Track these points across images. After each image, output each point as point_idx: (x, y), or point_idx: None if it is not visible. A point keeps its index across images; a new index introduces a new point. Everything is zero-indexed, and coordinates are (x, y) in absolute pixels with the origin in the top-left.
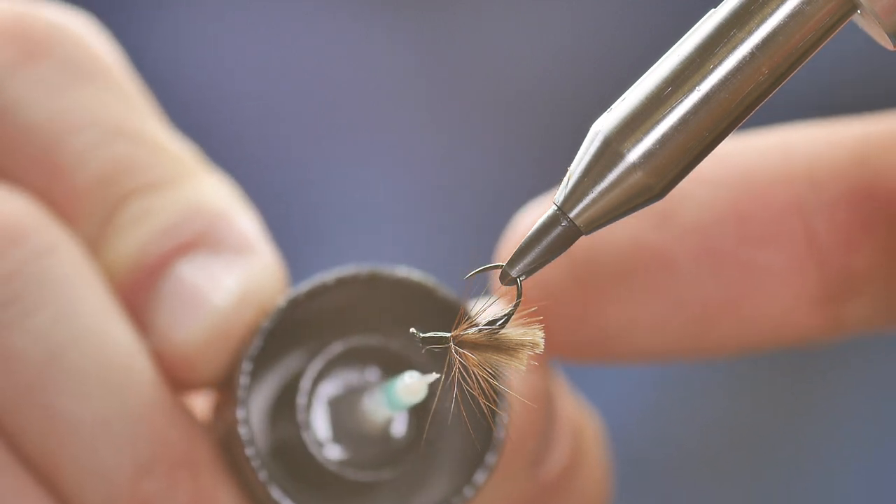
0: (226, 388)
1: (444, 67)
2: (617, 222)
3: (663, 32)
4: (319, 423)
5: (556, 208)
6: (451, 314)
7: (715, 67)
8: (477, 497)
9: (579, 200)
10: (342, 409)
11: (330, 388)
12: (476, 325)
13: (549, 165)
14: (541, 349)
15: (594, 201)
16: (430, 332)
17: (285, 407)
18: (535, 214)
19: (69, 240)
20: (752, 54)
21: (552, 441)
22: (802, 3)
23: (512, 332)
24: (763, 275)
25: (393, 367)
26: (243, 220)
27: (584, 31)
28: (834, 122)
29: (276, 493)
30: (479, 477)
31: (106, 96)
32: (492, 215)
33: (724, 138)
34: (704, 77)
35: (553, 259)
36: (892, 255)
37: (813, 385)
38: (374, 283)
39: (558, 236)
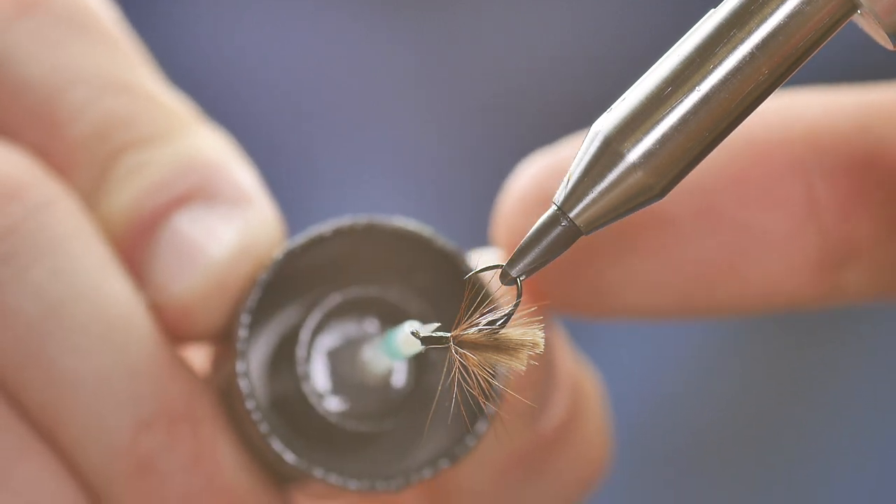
0: (224, 341)
1: (443, 67)
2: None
3: (664, 31)
4: (319, 375)
5: (556, 208)
6: (449, 264)
7: (715, 67)
8: (478, 447)
9: (579, 200)
10: (341, 360)
11: (329, 339)
12: (476, 324)
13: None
14: (541, 349)
15: (594, 201)
16: (427, 285)
17: (284, 359)
18: (533, 170)
19: (66, 194)
20: (752, 54)
21: (550, 393)
22: (802, 3)
23: (512, 331)
24: (762, 237)
25: (391, 317)
26: (239, 173)
27: (585, 31)
28: (837, 90)
29: (276, 445)
30: (481, 426)
31: (101, 50)
32: (490, 215)
33: (724, 138)
34: (704, 77)
35: (553, 259)
36: (890, 225)
37: (817, 364)
38: (371, 234)
39: (558, 236)
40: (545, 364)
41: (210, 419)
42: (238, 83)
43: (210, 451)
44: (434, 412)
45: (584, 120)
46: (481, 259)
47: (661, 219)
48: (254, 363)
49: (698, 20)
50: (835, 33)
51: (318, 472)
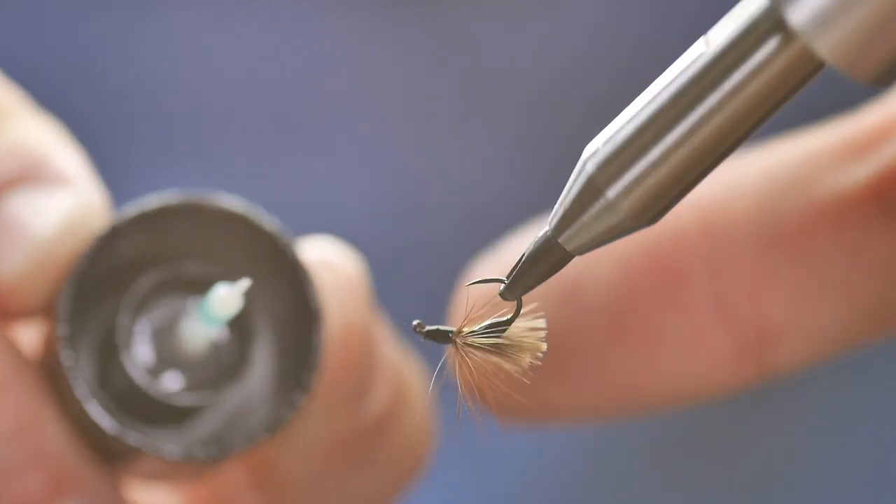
0: (51, 319)
1: (441, 67)
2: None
3: (665, 30)
4: (143, 354)
5: (547, 232)
6: (274, 245)
7: (685, 116)
8: (295, 420)
9: (566, 228)
10: (165, 337)
11: (153, 317)
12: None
13: (549, 166)
14: (543, 351)
15: (579, 230)
16: (251, 264)
17: (102, 336)
18: (479, 273)
19: None
20: (721, 106)
21: (372, 381)
22: (765, 61)
23: (514, 334)
24: (672, 342)
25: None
26: (65, 155)
27: (585, 31)
28: (731, 164)
29: (93, 409)
30: (297, 398)
31: None
32: (490, 215)
33: (705, 176)
34: (678, 122)
35: (549, 278)
36: (807, 297)
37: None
38: (197, 212)
39: (553, 260)
40: (366, 350)
41: (33, 392)
42: (233, 82)
43: (34, 421)
44: (258, 386)
45: (584, 120)
46: (473, 274)
47: (569, 340)
48: (84, 349)
49: (698, 26)
50: (804, 86)
51: (133, 439)
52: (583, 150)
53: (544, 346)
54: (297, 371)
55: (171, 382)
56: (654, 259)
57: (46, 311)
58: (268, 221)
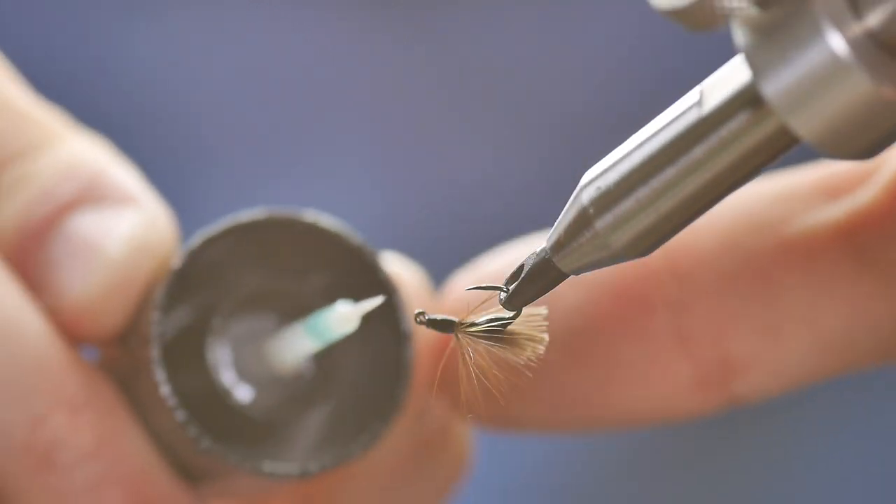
0: (127, 338)
1: (441, 68)
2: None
3: (664, 30)
4: (226, 367)
5: (544, 251)
6: (362, 262)
7: (671, 165)
8: (385, 437)
9: (560, 250)
10: (250, 351)
11: (237, 330)
12: (481, 318)
13: (549, 167)
14: (544, 347)
15: (572, 255)
16: (335, 279)
17: (188, 352)
18: (461, 285)
19: None
20: (707, 159)
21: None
22: (744, 130)
23: (516, 328)
24: (631, 369)
25: (299, 314)
26: (123, 174)
27: (589, 32)
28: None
29: (193, 431)
30: (390, 413)
31: None
32: (489, 216)
33: (696, 218)
34: (664, 169)
35: (547, 293)
36: (771, 332)
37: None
38: (284, 227)
39: (549, 278)
40: (436, 368)
41: (112, 411)
42: (232, 82)
43: (113, 441)
44: (341, 405)
45: (583, 121)
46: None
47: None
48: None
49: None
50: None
51: (234, 459)
52: (586, 149)
53: (546, 338)
54: (388, 387)
55: (245, 396)
56: (617, 287)
57: (123, 329)
58: (355, 237)
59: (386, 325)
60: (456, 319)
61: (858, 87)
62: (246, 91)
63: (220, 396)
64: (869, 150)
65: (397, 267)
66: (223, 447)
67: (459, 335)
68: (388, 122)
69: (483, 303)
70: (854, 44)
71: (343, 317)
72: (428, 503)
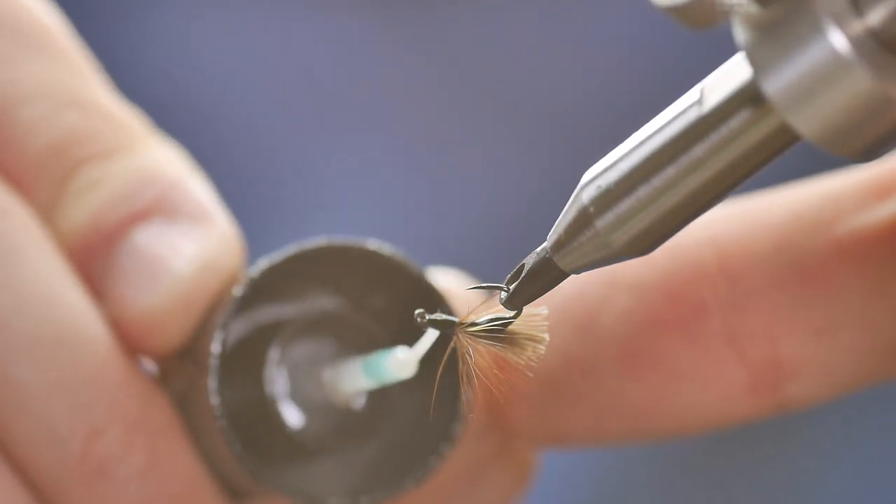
0: (186, 356)
1: (441, 68)
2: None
3: (665, 29)
4: (282, 392)
5: (544, 250)
6: (421, 287)
7: (671, 164)
8: (438, 471)
9: (560, 249)
10: (307, 379)
11: (294, 356)
12: (481, 318)
13: (549, 166)
14: (544, 348)
15: (572, 254)
16: (420, 314)
17: (245, 377)
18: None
19: (21, 206)
20: (707, 157)
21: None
22: (746, 128)
23: (517, 328)
24: (686, 373)
25: (356, 339)
26: (198, 188)
27: (585, 31)
28: (752, 201)
29: (249, 465)
30: (445, 448)
31: (55, 66)
32: (490, 216)
33: (695, 217)
34: (665, 168)
35: (547, 292)
36: (824, 334)
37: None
38: (344, 255)
39: (549, 278)
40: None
41: (167, 428)
42: (232, 82)
43: (166, 459)
44: (394, 433)
45: (582, 123)
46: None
47: (583, 370)
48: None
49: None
50: (790, 148)
51: (289, 490)
52: (586, 148)
53: (547, 337)
54: (444, 421)
55: (297, 422)
56: (670, 291)
57: (182, 349)
58: (416, 266)
59: (447, 360)
60: (456, 319)
61: (859, 85)
62: (245, 91)
63: (274, 422)
64: (870, 148)
65: (450, 281)
66: (278, 478)
67: (460, 335)
68: (388, 122)
69: (483, 302)
70: (855, 41)
71: (401, 363)
72: None
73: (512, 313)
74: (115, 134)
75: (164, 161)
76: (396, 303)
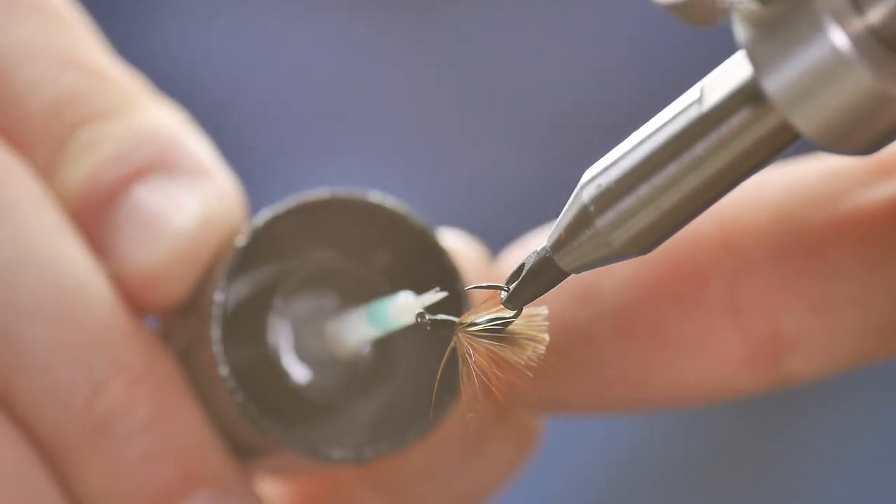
0: (185, 312)
1: (441, 68)
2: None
3: (665, 29)
4: (285, 346)
5: (544, 250)
6: (425, 244)
7: (672, 162)
8: (442, 425)
9: (560, 249)
10: (310, 332)
11: (297, 309)
12: (481, 318)
13: (550, 166)
14: (544, 348)
15: (572, 254)
16: (397, 260)
17: (248, 329)
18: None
19: (21, 164)
20: (708, 156)
21: None
22: (747, 126)
23: (517, 328)
24: (685, 344)
25: (359, 292)
26: (197, 145)
27: (585, 31)
28: (760, 176)
29: (251, 414)
30: (448, 402)
31: (53, 27)
32: (490, 215)
33: (696, 216)
34: (665, 167)
35: (547, 292)
36: (823, 309)
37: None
38: (347, 207)
39: (549, 277)
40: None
41: (170, 382)
42: (233, 83)
43: (170, 413)
44: (398, 387)
45: (583, 122)
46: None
47: (583, 338)
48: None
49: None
50: (790, 146)
51: (291, 442)
52: (586, 147)
53: (547, 338)
54: (448, 374)
55: (302, 376)
56: (671, 262)
57: (185, 301)
58: (420, 219)
59: (448, 312)
60: (456, 320)
61: (860, 83)
62: (245, 91)
63: (278, 375)
64: (870, 145)
65: (456, 242)
66: (281, 429)
67: (460, 335)
68: (388, 121)
69: (484, 302)
70: (855, 39)
71: (404, 307)
72: (490, 480)
73: (512, 313)
74: (113, 94)
75: (163, 120)
76: (400, 257)
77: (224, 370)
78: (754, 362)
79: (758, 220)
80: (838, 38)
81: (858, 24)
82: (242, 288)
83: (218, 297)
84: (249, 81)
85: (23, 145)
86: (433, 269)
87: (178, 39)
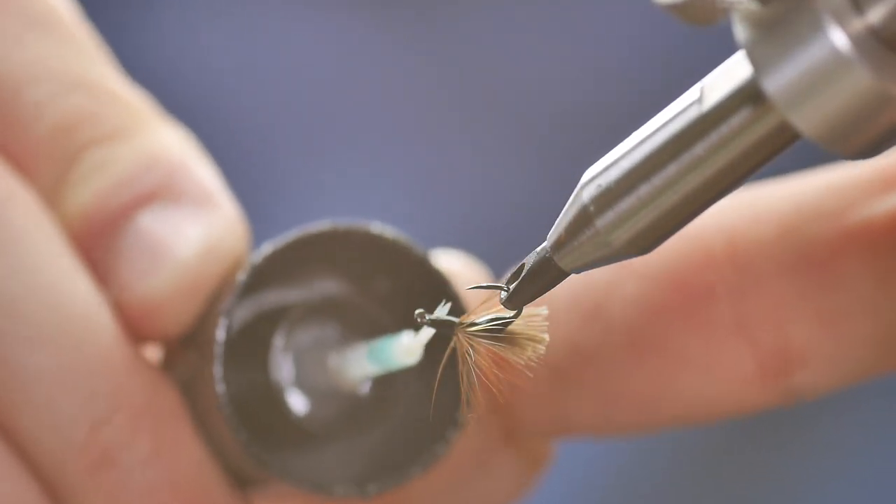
0: (186, 342)
1: (441, 68)
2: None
3: (665, 29)
4: (287, 378)
5: (544, 250)
6: (425, 271)
7: (672, 162)
8: (446, 457)
9: (560, 249)
10: (312, 364)
11: (299, 341)
12: (481, 318)
13: (550, 166)
14: (544, 348)
15: (572, 253)
16: (397, 290)
17: (250, 362)
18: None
19: (25, 190)
20: (708, 156)
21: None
22: (746, 126)
23: (517, 328)
24: (694, 361)
25: (361, 324)
26: (203, 172)
27: (585, 31)
28: (760, 189)
29: (255, 451)
30: (452, 434)
31: (63, 48)
32: (490, 215)
33: (696, 216)
34: (665, 166)
35: (547, 292)
36: (832, 322)
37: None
38: (349, 239)
39: (550, 277)
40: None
41: (172, 415)
42: (233, 83)
43: (171, 446)
44: (401, 418)
45: (583, 122)
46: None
47: (589, 357)
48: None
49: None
50: (790, 146)
51: (295, 477)
52: (586, 147)
53: (546, 338)
54: (449, 407)
55: (302, 407)
56: (678, 278)
57: (186, 334)
58: (420, 249)
59: (449, 339)
60: (456, 320)
61: (860, 83)
62: (245, 91)
63: (279, 406)
64: (870, 146)
65: (457, 264)
66: (284, 465)
67: (460, 335)
68: (388, 121)
69: (484, 302)
70: (855, 39)
71: (407, 349)
72: (498, 501)
73: (512, 313)
74: (120, 116)
75: (170, 144)
76: (401, 286)
77: (227, 409)
78: (764, 377)
79: (764, 234)
80: (838, 38)
81: (858, 24)
82: (244, 319)
83: (219, 336)
84: (249, 81)
85: (29, 166)
86: (435, 298)
87: (177, 39)
